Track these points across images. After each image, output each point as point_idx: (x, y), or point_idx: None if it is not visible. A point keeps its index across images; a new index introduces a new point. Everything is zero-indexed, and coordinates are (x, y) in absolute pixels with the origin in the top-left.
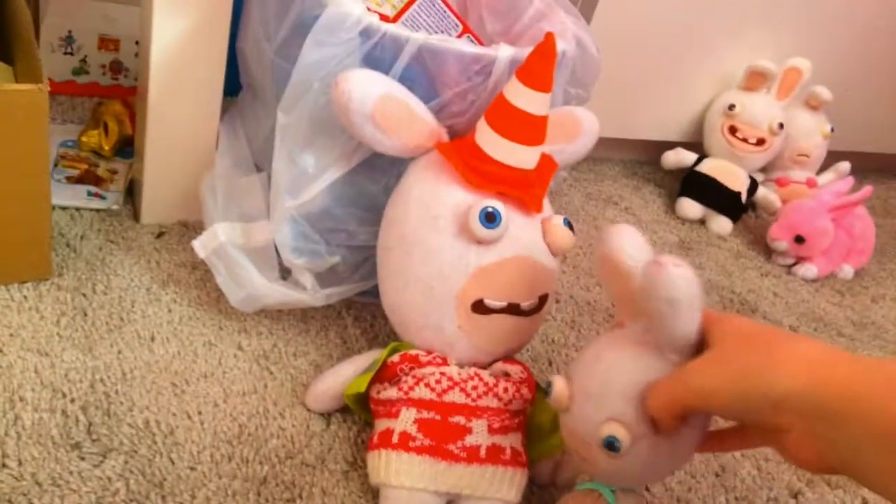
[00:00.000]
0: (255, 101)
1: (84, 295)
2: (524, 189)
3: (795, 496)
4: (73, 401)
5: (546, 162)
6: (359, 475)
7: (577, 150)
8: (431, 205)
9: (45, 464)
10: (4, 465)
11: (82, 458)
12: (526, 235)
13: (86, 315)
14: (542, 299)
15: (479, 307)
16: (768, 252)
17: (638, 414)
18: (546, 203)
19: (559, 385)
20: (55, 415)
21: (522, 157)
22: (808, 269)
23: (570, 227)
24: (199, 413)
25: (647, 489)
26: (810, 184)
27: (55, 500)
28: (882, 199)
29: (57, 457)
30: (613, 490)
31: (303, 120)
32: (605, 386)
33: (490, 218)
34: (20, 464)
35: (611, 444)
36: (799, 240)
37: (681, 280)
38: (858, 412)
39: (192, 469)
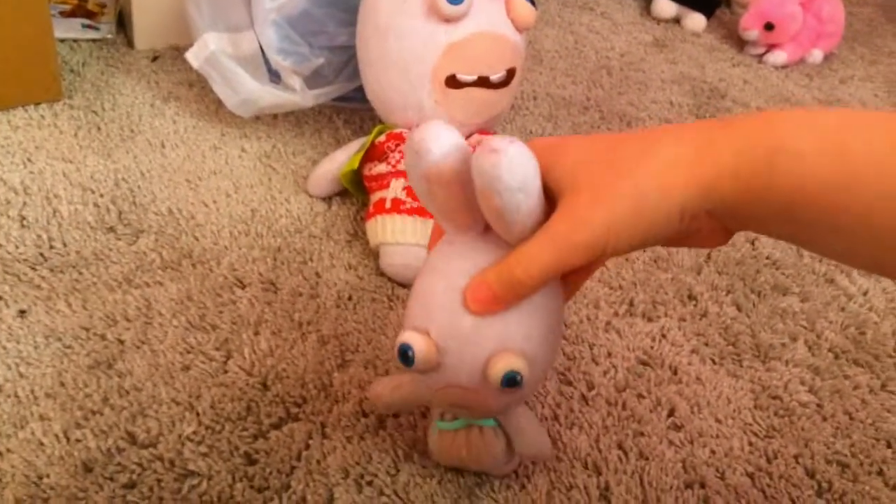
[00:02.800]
0: None
1: (95, 112)
2: None
3: (752, 242)
4: (101, 195)
5: None
6: (360, 243)
7: None
8: None
9: (86, 243)
10: (52, 247)
11: (118, 239)
12: (490, 12)
13: (99, 129)
14: (510, 73)
15: (453, 82)
16: (741, 45)
17: (532, 327)
18: None
19: (420, 343)
20: (88, 206)
21: None
22: (778, 56)
23: (532, 2)
24: (214, 202)
25: None
26: None
27: (101, 270)
28: None
29: (96, 238)
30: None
31: None
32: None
33: None
34: (65, 245)
35: (512, 380)
36: (769, 27)
37: (524, 158)
38: (755, 197)
39: (215, 244)
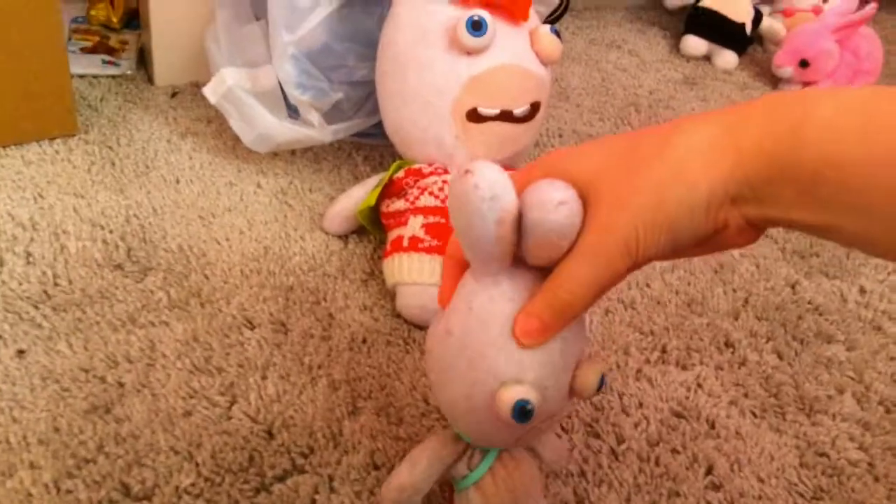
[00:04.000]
0: None
1: (110, 147)
2: None
3: (793, 286)
4: (111, 232)
5: None
6: (376, 282)
7: None
8: (420, 22)
9: (92, 281)
10: (57, 284)
11: (126, 276)
12: (514, 44)
13: (114, 164)
14: (535, 107)
15: (474, 116)
16: (775, 82)
17: (585, 336)
18: (533, 14)
19: (534, 394)
20: (97, 243)
21: None
22: None
23: (558, 35)
24: (227, 239)
25: (647, 285)
26: (816, 11)
27: (105, 309)
28: (894, 26)
29: (102, 275)
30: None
31: None
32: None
33: (476, 26)
34: (70, 282)
35: (602, 381)
36: (804, 64)
37: (580, 206)
38: (781, 175)
39: (225, 282)
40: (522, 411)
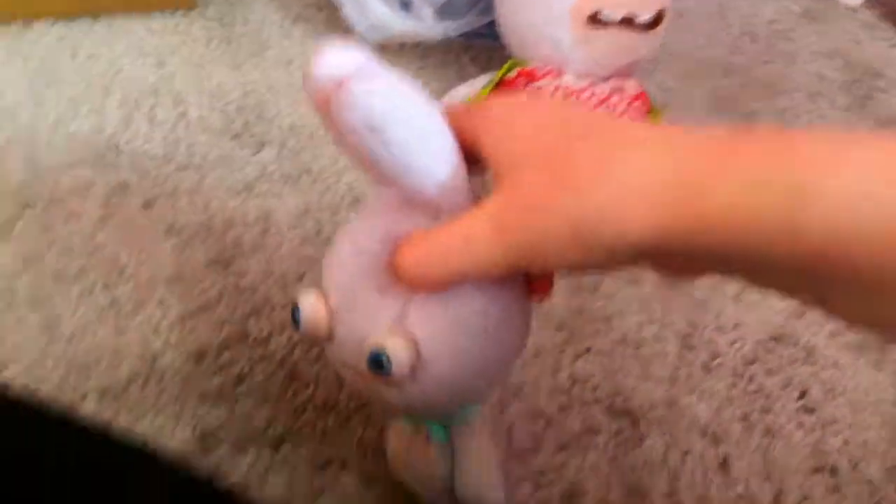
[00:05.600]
0: None
1: (226, 26)
2: None
3: None
4: (228, 104)
5: None
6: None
7: None
8: None
9: (211, 148)
10: (178, 147)
11: (242, 147)
12: None
13: (230, 42)
14: (659, 15)
15: (595, 20)
16: None
17: (442, 316)
18: None
19: (309, 306)
20: (215, 112)
21: None
22: None
23: None
24: None
25: None
26: None
27: (224, 174)
28: None
29: (220, 144)
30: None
31: None
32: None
33: None
34: (191, 146)
35: (376, 362)
36: None
37: (373, 98)
38: (771, 251)
39: (335, 163)
40: (292, 315)
